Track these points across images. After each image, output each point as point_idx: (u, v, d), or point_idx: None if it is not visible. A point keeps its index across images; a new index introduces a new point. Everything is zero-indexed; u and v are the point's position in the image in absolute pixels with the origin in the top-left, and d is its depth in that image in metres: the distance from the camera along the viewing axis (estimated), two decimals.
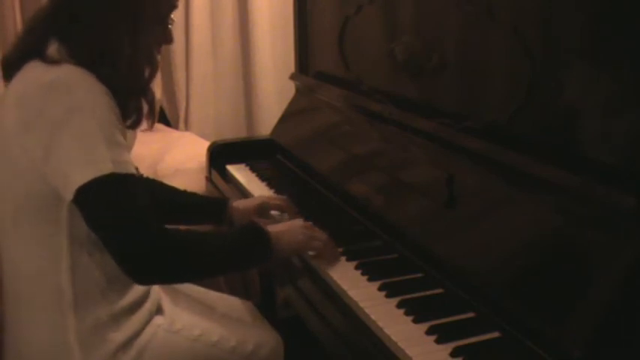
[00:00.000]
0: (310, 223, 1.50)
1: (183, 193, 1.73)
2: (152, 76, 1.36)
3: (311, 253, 1.47)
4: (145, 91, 1.37)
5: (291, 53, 2.38)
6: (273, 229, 1.41)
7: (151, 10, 1.32)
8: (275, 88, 3.01)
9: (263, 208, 1.72)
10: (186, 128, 3.05)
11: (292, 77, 2.35)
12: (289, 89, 2.39)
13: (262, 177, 2.03)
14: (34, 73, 1.27)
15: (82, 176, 1.19)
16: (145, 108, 1.38)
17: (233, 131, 3.08)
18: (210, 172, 2.19)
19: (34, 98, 1.24)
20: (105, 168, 1.20)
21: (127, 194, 1.23)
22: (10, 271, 1.37)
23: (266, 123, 2.90)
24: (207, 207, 1.74)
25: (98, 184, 1.19)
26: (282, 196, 1.80)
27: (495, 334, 1.19)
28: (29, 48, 1.31)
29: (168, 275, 1.32)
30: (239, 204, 1.73)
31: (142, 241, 1.22)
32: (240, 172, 2.10)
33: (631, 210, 1.06)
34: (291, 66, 2.40)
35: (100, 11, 1.28)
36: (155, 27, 1.35)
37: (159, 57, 1.39)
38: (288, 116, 2.27)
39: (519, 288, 1.19)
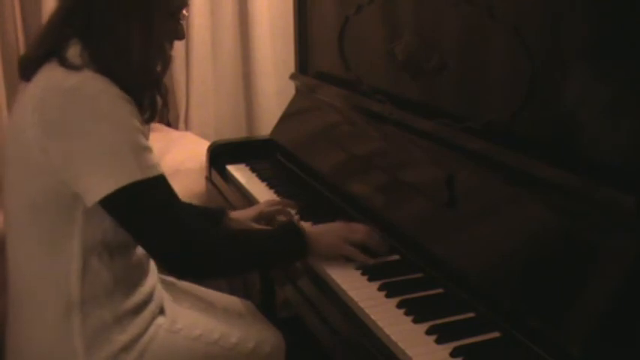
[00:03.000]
0: (352, 224, 1.51)
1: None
2: (165, 70, 1.39)
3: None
4: (159, 86, 1.39)
5: (291, 53, 2.38)
6: (312, 229, 1.47)
7: (163, 5, 1.33)
8: (275, 88, 3.00)
9: (261, 218, 1.71)
10: (187, 128, 3.04)
11: (292, 77, 2.34)
12: (289, 89, 2.39)
13: (262, 177, 2.03)
14: (53, 77, 1.26)
15: (109, 185, 1.21)
16: (159, 102, 1.39)
17: (233, 131, 3.07)
18: (210, 172, 2.19)
19: (54, 105, 1.24)
20: (134, 175, 1.22)
21: (161, 197, 1.27)
22: (18, 271, 1.37)
23: (266, 123, 2.89)
24: (204, 217, 1.71)
25: (129, 191, 1.22)
26: (277, 200, 1.80)
27: (495, 334, 1.19)
28: (49, 48, 1.30)
29: (207, 272, 1.41)
30: (237, 214, 1.72)
31: (181, 242, 1.27)
32: (240, 172, 2.10)
33: (631, 210, 1.06)
34: (291, 66, 2.40)
35: (112, 6, 1.27)
36: (166, 21, 1.35)
37: (171, 52, 1.41)
38: (288, 116, 2.27)
39: (519, 288, 1.19)
